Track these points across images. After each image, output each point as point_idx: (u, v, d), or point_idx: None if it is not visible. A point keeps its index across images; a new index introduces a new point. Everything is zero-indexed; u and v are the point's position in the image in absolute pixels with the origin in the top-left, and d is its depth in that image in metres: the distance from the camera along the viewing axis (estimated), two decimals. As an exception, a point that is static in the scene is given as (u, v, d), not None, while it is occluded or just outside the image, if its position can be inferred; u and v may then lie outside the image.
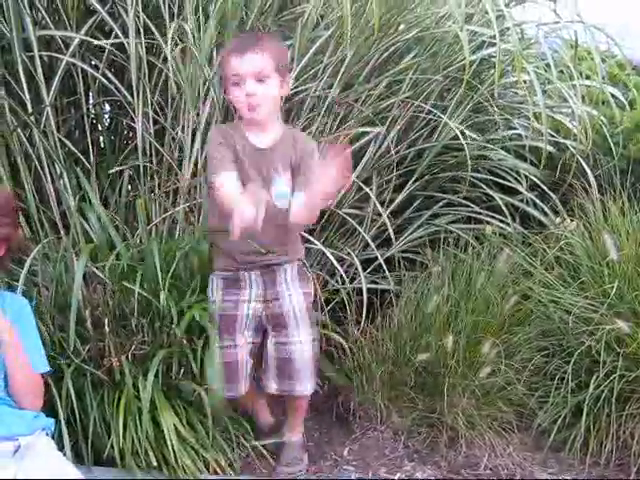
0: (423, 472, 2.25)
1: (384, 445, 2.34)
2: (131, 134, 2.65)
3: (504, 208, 2.81)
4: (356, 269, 2.52)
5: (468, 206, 2.87)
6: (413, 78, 2.60)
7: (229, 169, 2.03)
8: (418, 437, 2.36)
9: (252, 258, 2.09)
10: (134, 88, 2.43)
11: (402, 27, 2.52)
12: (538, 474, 2.27)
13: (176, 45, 2.42)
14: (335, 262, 2.46)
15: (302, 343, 2.11)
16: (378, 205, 2.58)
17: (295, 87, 2.44)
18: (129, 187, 2.52)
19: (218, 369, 2.02)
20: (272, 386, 2.16)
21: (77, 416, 2.04)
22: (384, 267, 2.58)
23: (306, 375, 2.12)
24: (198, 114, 2.42)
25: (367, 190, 2.58)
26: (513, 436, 2.35)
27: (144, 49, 2.43)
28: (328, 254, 2.44)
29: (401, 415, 2.36)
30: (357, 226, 2.58)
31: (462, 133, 2.66)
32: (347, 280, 2.53)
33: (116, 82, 2.48)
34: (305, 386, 2.13)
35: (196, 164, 2.41)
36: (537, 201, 2.86)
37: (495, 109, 2.76)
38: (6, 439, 1.80)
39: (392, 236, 2.66)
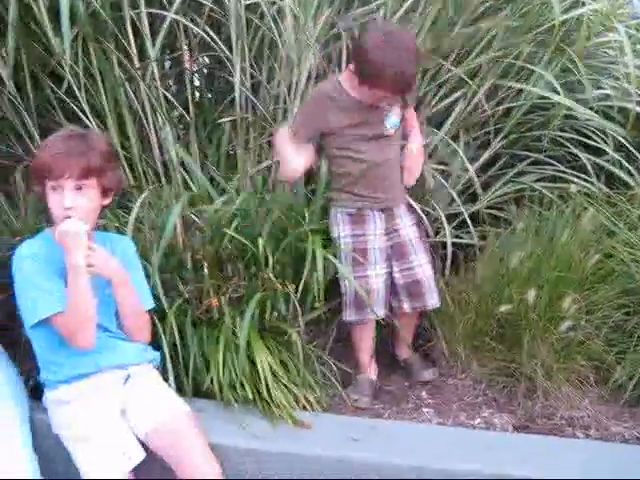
0: (500, 419, 2.33)
1: (464, 392, 2.42)
2: (228, 88, 2.75)
3: (589, 168, 2.83)
4: (441, 223, 2.61)
5: (553, 165, 2.89)
6: (503, 37, 2.62)
7: (302, 136, 2.27)
8: (496, 386, 2.44)
9: (376, 196, 2.35)
10: (233, 44, 2.54)
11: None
12: (613, 427, 2.32)
13: (273, 3, 2.53)
14: (422, 215, 2.55)
15: (422, 265, 2.39)
16: (466, 161, 2.65)
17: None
18: (227, 139, 2.64)
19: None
20: (405, 306, 2.43)
21: (179, 352, 2.20)
22: (468, 222, 2.65)
23: (431, 291, 2.40)
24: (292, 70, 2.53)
25: (454, 146, 2.65)
26: (590, 389, 2.41)
27: (243, 6, 2.53)
28: (416, 207, 2.53)
29: (481, 364, 2.45)
30: (443, 181, 2.65)
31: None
32: (432, 233, 2.62)
33: (215, 38, 2.60)
34: (435, 300, 2.42)
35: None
36: (623, 161, 2.86)
37: (584, 69, 2.75)
38: (118, 368, 1.99)
39: (479, 192, 2.72)
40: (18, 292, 1.94)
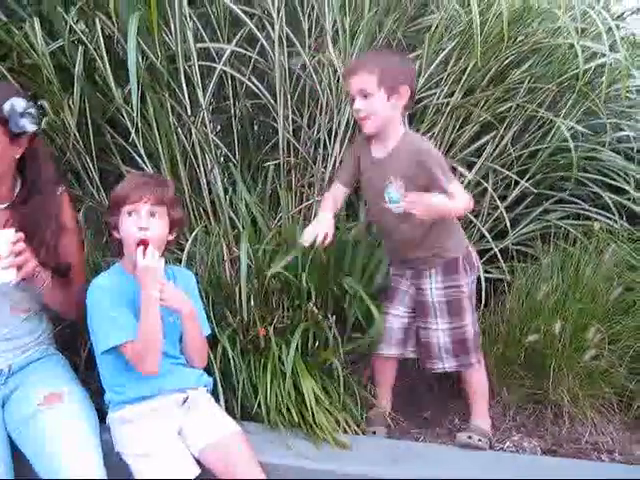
0: (529, 443, 2.47)
1: (494, 418, 2.54)
2: (271, 132, 2.95)
3: (612, 206, 3.00)
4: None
5: (577, 203, 3.07)
6: (528, 85, 2.81)
7: (340, 178, 2.44)
8: (525, 412, 2.58)
9: (399, 255, 2.46)
10: (277, 92, 2.74)
11: (520, 39, 2.73)
12: (637, 451, 2.45)
13: (313, 56, 2.73)
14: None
15: (441, 330, 2.41)
16: (497, 199, 2.82)
17: (420, 93, 2.71)
18: (270, 180, 2.83)
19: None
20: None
21: (228, 377, 2.38)
22: (499, 257, 2.81)
23: (441, 357, 2.42)
24: (332, 117, 2.73)
25: (486, 185, 2.83)
26: (613, 416, 2.55)
27: (286, 58, 2.74)
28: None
29: (510, 391, 2.60)
30: (473, 219, 2.83)
31: (573, 135, 2.87)
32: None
33: (260, 86, 2.80)
34: (445, 365, 2.43)
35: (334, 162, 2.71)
36: (643, 200, 3.02)
37: (605, 113, 2.93)
38: (178, 391, 2.15)
39: (509, 228, 2.89)
40: (91, 320, 2.11)
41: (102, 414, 2.22)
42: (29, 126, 2.07)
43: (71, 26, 2.61)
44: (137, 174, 2.28)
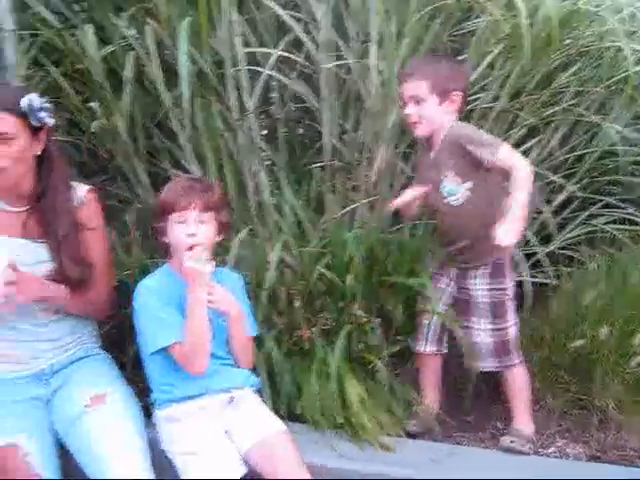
0: (574, 449, 2.45)
1: (538, 423, 2.52)
2: (316, 136, 2.97)
3: (660, 211, 2.97)
4: (517, 263, 2.77)
5: (624, 208, 3.04)
6: (575, 89, 2.79)
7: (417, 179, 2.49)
8: (570, 418, 2.57)
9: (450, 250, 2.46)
10: (322, 95, 2.77)
11: (567, 42, 2.72)
12: (685, 459, 2.44)
13: (360, 59, 2.75)
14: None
15: (483, 330, 2.42)
16: (542, 204, 2.81)
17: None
18: (315, 183, 2.85)
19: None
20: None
21: (273, 378, 2.42)
22: (544, 262, 2.80)
23: (484, 357, 2.44)
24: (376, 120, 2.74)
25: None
26: (661, 423, 2.53)
27: (332, 62, 2.76)
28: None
29: (555, 396, 2.59)
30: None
31: (621, 139, 2.85)
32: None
33: (305, 90, 2.81)
34: (486, 365, 2.45)
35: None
36: (693, 205, 2.99)
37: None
38: (224, 391, 2.18)
39: (554, 233, 2.88)
40: (138, 322, 2.16)
41: (148, 412, 2.26)
42: (48, 119, 2.14)
43: (122, 32, 2.66)
44: (182, 179, 2.30)
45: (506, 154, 2.23)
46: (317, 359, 2.40)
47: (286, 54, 2.77)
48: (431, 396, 2.58)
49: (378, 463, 2.24)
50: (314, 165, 2.84)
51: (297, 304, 2.49)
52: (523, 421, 2.44)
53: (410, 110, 2.32)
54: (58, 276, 2.18)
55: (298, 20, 2.79)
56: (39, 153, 2.18)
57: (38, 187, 2.22)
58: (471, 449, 2.43)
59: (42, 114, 2.11)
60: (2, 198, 2.21)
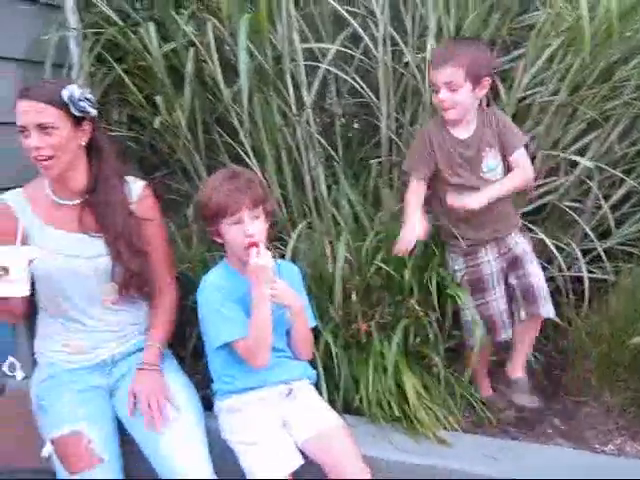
0: (632, 447, 2.43)
1: (596, 420, 2.53)
2: (373, 130, 2.98)
3: None
4: (574, 258, 2.75)
5: (685, 204, 2.98)
6: (636, 82, 2.74)
7: (419, 173, 2.47)
8: (629, 415, 2.54)
9: (483, 235, 2.49)
10: (380, 90, 2.78)
11: (628, 34, 2.68)
12: None
13: (418, 53, 2.75)
14: (555, 250, 2.69)
15: (537, 275, 2.48)
16: (601, 198, 2.79)
17: (524, 91, 2.70)
18: (372, 177, 2.86)
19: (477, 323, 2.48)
20: (522, 314, 2.51)
21: (330, 370, 2.44)
22: (603, 257, 2.77)
23: (547, 300, 2.47)
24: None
25: (590, 184, 2.79)
26: None
27: (390, 56, 2.77)
28: (548, 243, 2.68)
29: (613, 393, 2.57)
30: (577, 218, 2.79)
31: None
32: (564, 268, 2.76)
33: (363, 85, 2.84)
34: (548, 309, 2.47)
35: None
36: None
37: None
38: (283, 383, 2.23)
39: (613, 228, 2.84)
40: (202, 317, 2.21)
41: (207, 402, 2.32)
42: (90, 109, 2.21)
43: (183, 29, 2.71)
44: (223, 177, 2.23)
45: (524, 153, 2.45)
46: (374, 352, 2.42)
47: (343, 49, 2.79)
48: (487, 390, 2.62)
49: (434, 456, 2.25)
50: (371, 160, 2.84)
51: (354, 297, 2.51)
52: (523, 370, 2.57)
53: (444, 96, 2.36)
54: (117, 268, 2.25)
55: (355, 15, 2.80)
56: (84, 143, 2.25)
57: (90, 180, 2.29)
58: (526, 445, 2.42)
59: (83, 104, 2.18)
60: (57, 192, 2.29)
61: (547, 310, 2.47)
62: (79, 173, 2.27)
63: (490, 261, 2.50)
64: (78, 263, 2.23)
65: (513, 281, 2.52)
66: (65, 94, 2.14)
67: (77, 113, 2.17)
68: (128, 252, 2.25)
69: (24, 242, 2.14)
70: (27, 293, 2.06)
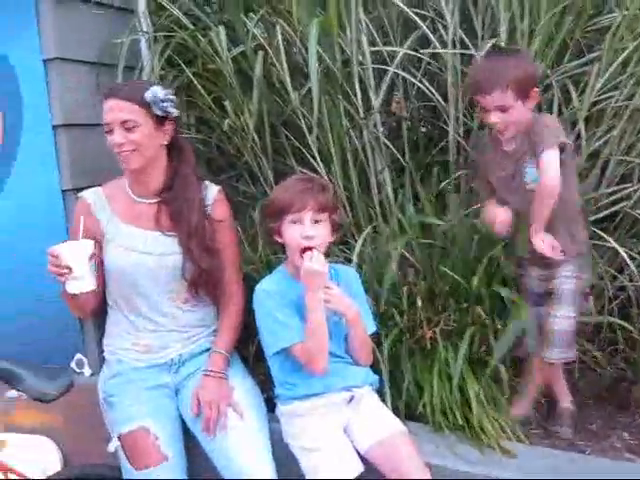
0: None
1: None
2: (440, 134, 2.95)
3: None
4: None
5: None
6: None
7: (487, 192, 2.50)
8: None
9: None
10: (449, 94, 2.75)
11: None
12: None
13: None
14: (627, 259, 2.62)
15: (557, 317, 2.36)
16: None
17: (597, 95, 2.64)
18: (439, 181, 2.83)
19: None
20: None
21: (394, 376, 2.43)
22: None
23: (552, 345, 2.37)
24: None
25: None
26: None
27: (459, 60, 2.74)
28: (620, 251, 2.60)
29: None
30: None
31: None
32: (638, 277, 2.68)
33: (431, 88, 2.81)
34: (551, 355, 2.38)
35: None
36: None
37: None
38: (344, 389, 2.21)
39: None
40: (259, 323, 2.21)
41: (271, 403, 2.34)
42: (171, 109, 2.27)
43: (252, 32, 2.73)
44: (296, 179, 2.29)
45: (549, 154, 2.20)
46: (439, 359, 2.39)
47: (412, 52, 2.77)
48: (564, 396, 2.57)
49: (497, 467, 2.21)
50: (438, 164, 2.82)
51: (419, 303, 2.49)
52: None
53: (496, 118, 2.30)
54: (188, 265, 2.29)
55: (424, 17, 2.78)
56: (166, 143, 2.32)
57: (168, 179, 2.34)
58: (593, 458, 2.36)
59: (165, 104, 2.25)
60: (135, 190, 2.34)
61: (546, 355, 2.39)
62: (158, 172, 2.33)
63: (532, 277, 2.48)
64: (151, 259, 2.29)
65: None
66: (148, 94, 2.21)
67: (159, 113, 2.24)
68: (199, 250, 2.29)
69: (94, 238, 2.23)
70: (93, 287, 2.13)
